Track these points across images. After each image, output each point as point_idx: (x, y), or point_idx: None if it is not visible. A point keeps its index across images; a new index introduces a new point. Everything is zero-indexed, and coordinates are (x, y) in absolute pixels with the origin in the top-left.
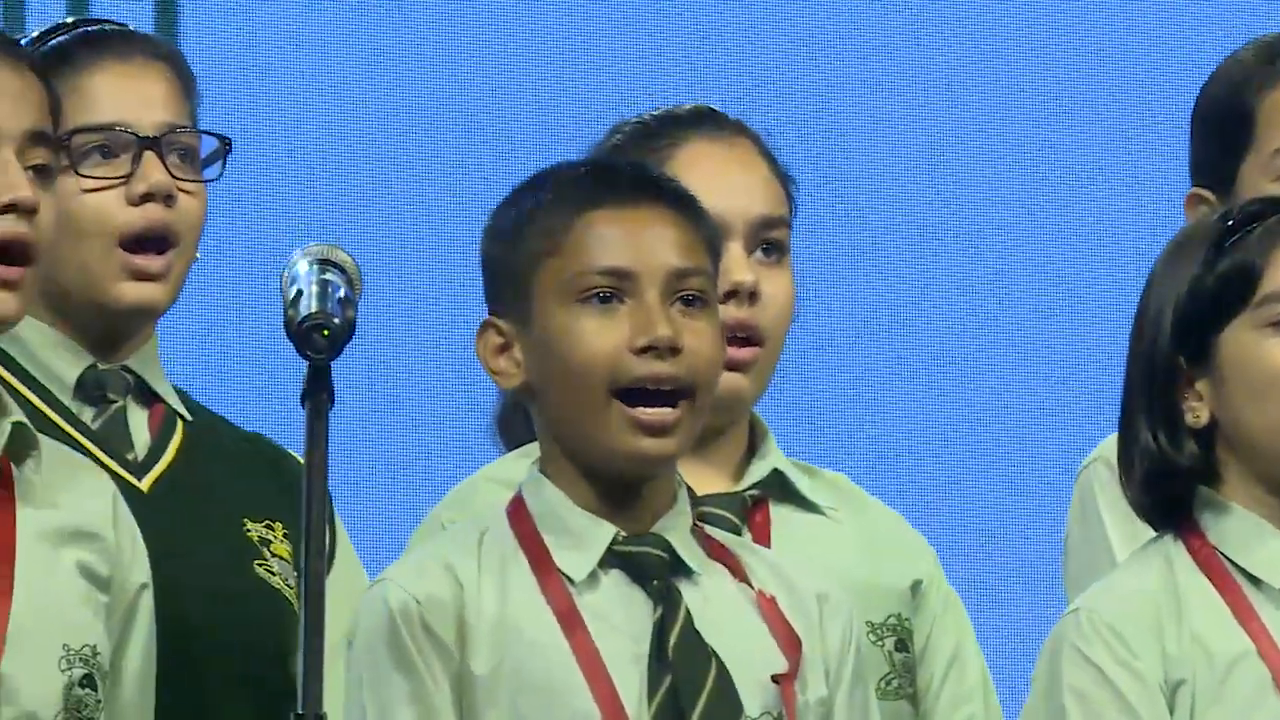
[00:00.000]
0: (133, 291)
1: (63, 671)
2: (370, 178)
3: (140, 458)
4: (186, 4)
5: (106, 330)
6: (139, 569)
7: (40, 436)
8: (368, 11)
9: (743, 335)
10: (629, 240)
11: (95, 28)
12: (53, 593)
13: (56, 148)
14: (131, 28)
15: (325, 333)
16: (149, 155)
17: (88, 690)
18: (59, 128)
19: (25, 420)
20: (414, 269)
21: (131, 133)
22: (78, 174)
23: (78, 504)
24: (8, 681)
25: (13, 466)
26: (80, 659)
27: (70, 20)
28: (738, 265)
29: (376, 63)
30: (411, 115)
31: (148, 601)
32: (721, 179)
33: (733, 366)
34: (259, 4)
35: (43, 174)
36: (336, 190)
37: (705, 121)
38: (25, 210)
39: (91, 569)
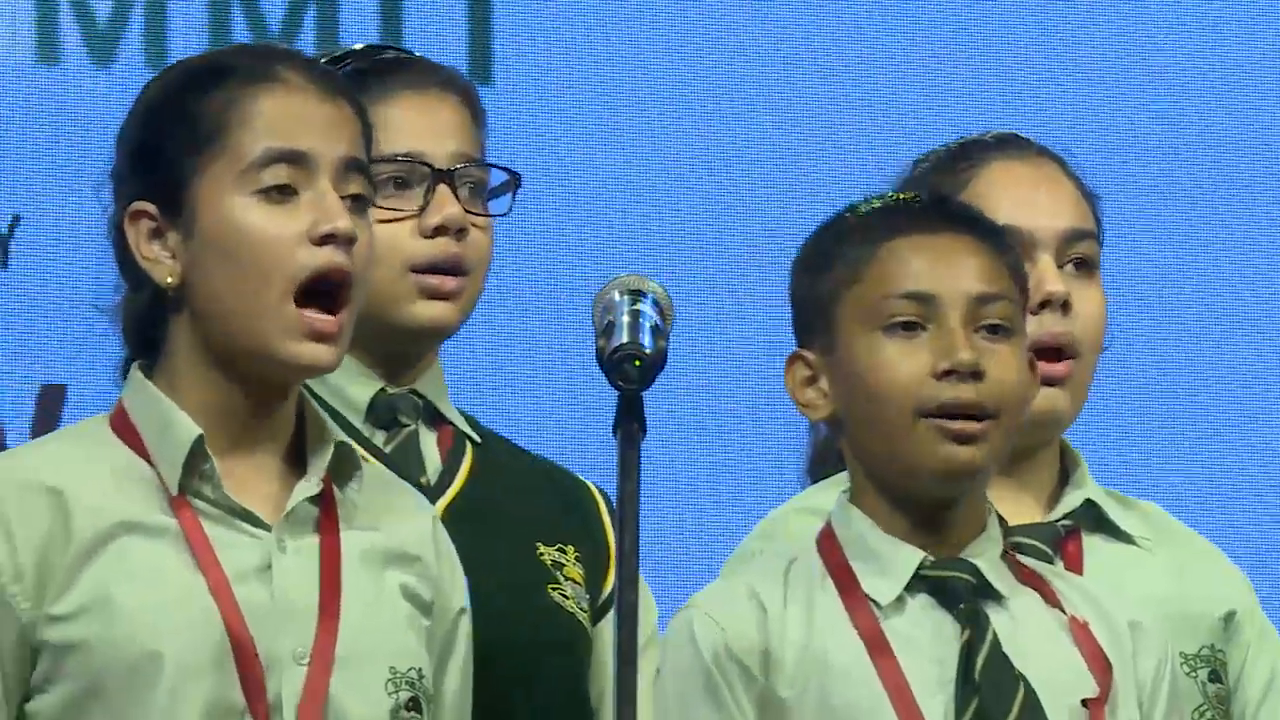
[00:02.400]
0: (426, 310)
1: (389, 694)
2: (681, 210)
3: (432, 481)
4: (499, 31)
5: (396, 352)
6: (458, 594)
7: (361, 457)
8: (672, 48)
9: (1056, 348)
10: (932, 266)
11: (390, 55)
12: (379, 615)
13: (371, 177)
14: (423, 56)
15: (637, 363)
16: (442, 188)
17: (414, 713)
18: (370, 150)
19: (349, 441)
20: (724, 301)
21: (427, 164)
22: (373, 204)
23: (399, 526)
24: (336, 703)
25: (335, 489)
26: (407, 682)
27: (361, 47)
28: (1049, 277)
29: (683, 98)
30: (720, 148)
31: (466, 627)
32: (1028, 195)
33: (1048, 381)
34: (571, 29)
35: (359, 203)
36: (647, 222)
37: (1009, 144)
38: (343, 240)
39: (414, 592)
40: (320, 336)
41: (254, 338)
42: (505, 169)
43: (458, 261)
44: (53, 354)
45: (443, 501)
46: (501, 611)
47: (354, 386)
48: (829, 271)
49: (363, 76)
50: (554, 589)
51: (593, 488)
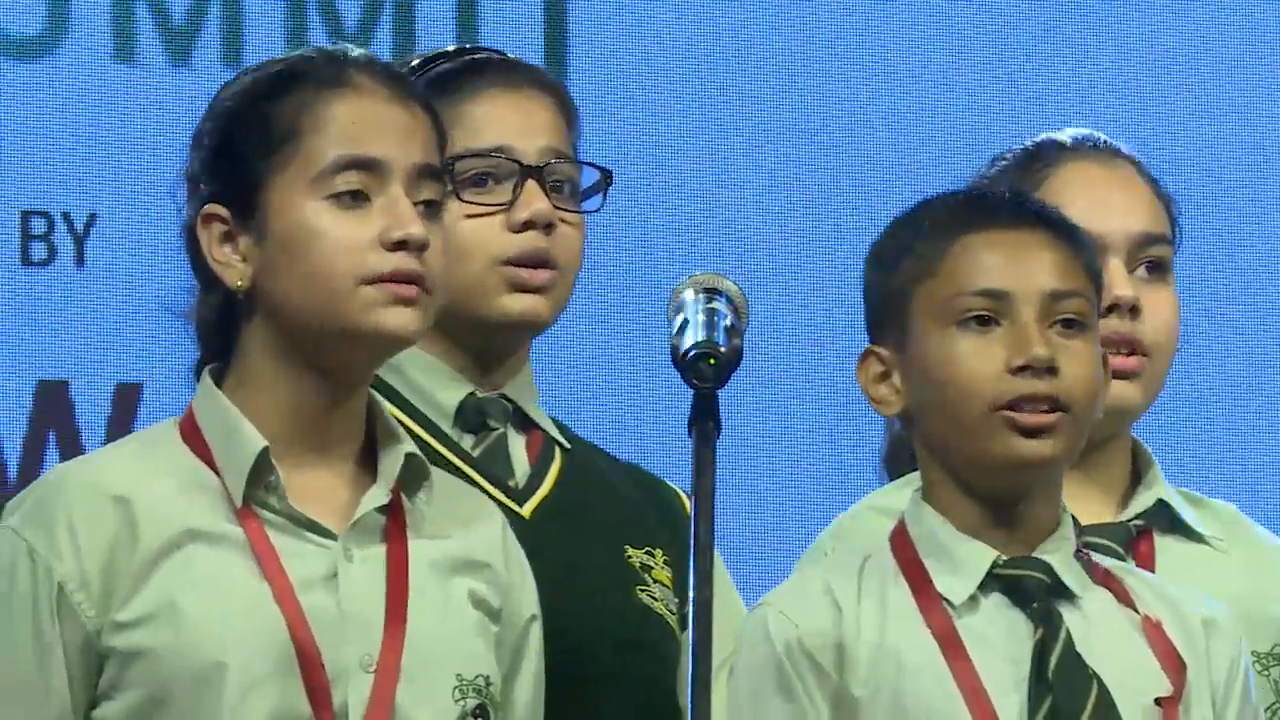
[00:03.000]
0: (516, 304)
1: (456, 702)
2: (756, 207)
3: (520, 484)
4: (575, 33)
5: (486, 349)
6: (528, 601)
7: (430, 467)
8: (747, 43)
9: (1125, 350)
10: (1006, 263)
11: (481, 55)
12: (446, 623)
13: (444, 182)
14: (515, 57)
15: (712, 361)
16: (530, 184)
17: None
18: (444, 155)
19: (418, 451)
20: (798, 298)
21: (515, 160)
22: (460, 199)
23: (468, 534)
24: (403, 711)
25: (404, 498)
26: (474, 689)
27: (453, 48)
28: (1118, 280)
29: (758, 94)
30: (795, 145)
31: (537, 633)
32: (1101, 197)
33: (1118, 375)
34: (646, 33)
35: (431, 209)
36: (721, 220)
37: (1084, 144)
38: (416, 247)
39: (483, 599)
40: (402, 301)
41: (334, 321)
42: (597, 166)
43: (545, 257)
44: (129, 352)
45: (530, 504)
46: (590, 613)
47: (442, 390)
48: (903, 267)
49: (452, 76)
50: (642, 590)
51: (681, 493)
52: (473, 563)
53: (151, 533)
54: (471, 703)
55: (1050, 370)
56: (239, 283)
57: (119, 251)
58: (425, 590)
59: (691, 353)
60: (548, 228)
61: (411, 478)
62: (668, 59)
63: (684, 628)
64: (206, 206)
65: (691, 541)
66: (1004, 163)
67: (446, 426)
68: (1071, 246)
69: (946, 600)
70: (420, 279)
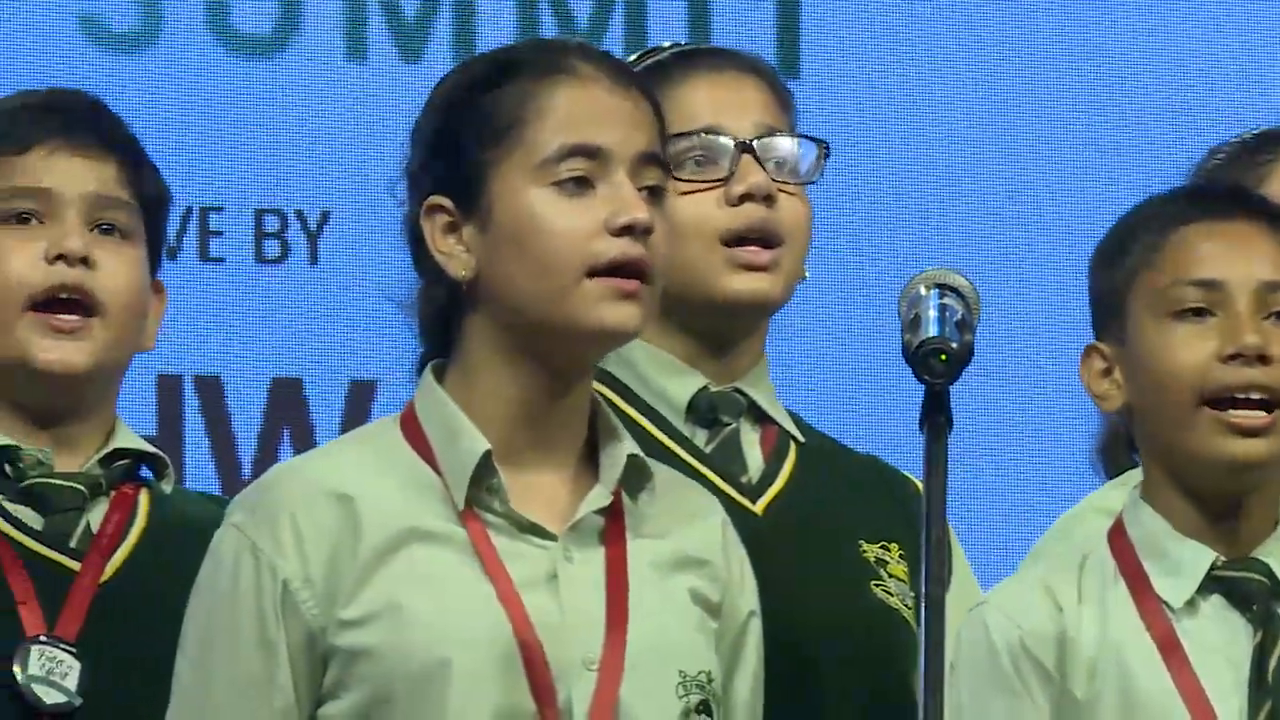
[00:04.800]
0: (743, 283)
1: (679, 698)
2: (985, 205)
3: (754, 480)
4: (807, 33)
5: (717, 334)
6: (748, 596)
7: (653, 465)
8: (978, 42)
9: None
10: (1222, 253)
11: (691, 47)
12: (668, 621)
13: (667, 170)
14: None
15: (943, 357)
16: (746, 158)
17: (704, 716)
18: (665, 144)
19: (639, 453)
20: (1028, 296)
21: (728, 136)
22: (675, 179)
23: (688, 531)
24: (626, 707)
25: (625, 498)
26: (696, 685)
27: (666, 44)
28: None
29: (988, 93)
30: (1023, 144)
31: (756, 629)
32: None
33: None
34: (879, 33)
35: (655, 195)
36: (952, 217)
37: None
38: (642, 231)
39: (703, 595)
40: (624, 296)
41: (556, 315)
42: (812, 138)
43: (768, 228)
44: (363, 350)
45: (764, 501)
46: (823, 609)
47: (674, 384)
48: (1122, 262)
49: (661, 67)
50: (877, 585)
51: (918, 483)
52: (692, 559)
53: (374, 531)
54: (695, 699)
55: (1262, 359)
56: (463, 273)
57: (353, 249)
58: (645, 589)
59: (923, 348)
60: (767, 199)
61: (634, 478)
62: (900, 57)
63: (919, 623)
64: (430, 198)
65: (923, 538)
66: (1221, 156)
67: (678, 421)
68: None
69: (1165, 603)
70: (645, 264)
